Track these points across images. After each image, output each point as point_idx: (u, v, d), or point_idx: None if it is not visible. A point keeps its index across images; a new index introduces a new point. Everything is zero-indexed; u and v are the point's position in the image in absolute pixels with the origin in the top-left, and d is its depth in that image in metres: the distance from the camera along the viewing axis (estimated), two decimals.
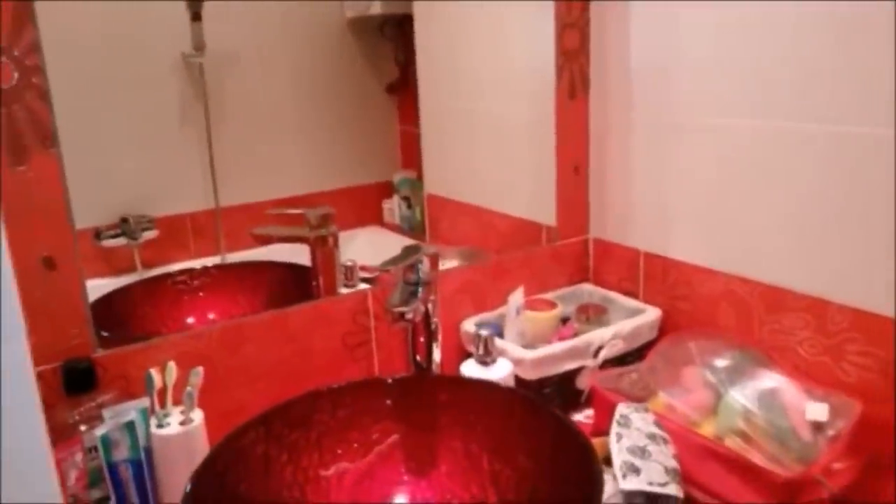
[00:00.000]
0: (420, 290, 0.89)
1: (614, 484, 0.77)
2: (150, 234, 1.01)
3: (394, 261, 0.87)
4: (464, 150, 1.28)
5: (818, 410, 0.89)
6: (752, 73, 0.97)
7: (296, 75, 1.12)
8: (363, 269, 1.14)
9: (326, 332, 1.03)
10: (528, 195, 1.29)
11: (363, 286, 1.09)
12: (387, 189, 1.24)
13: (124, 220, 1.00)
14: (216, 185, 1.05)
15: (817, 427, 0.88)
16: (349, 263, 1.14)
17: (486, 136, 1.28)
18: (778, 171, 0.96)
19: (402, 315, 0.85)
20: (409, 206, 1.25)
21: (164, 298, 1.05)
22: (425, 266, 0.89)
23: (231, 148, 1.06)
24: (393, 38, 1.20)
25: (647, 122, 1.14)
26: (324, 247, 1.13)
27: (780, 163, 0.96)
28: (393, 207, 1.25)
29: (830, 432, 0.87)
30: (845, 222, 0.90)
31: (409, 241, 0.95)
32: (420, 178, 1.23)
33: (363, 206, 1.21)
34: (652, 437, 0.83)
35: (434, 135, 1.22)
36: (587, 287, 1.27)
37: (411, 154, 1.22)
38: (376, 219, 1.24)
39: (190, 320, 1.07)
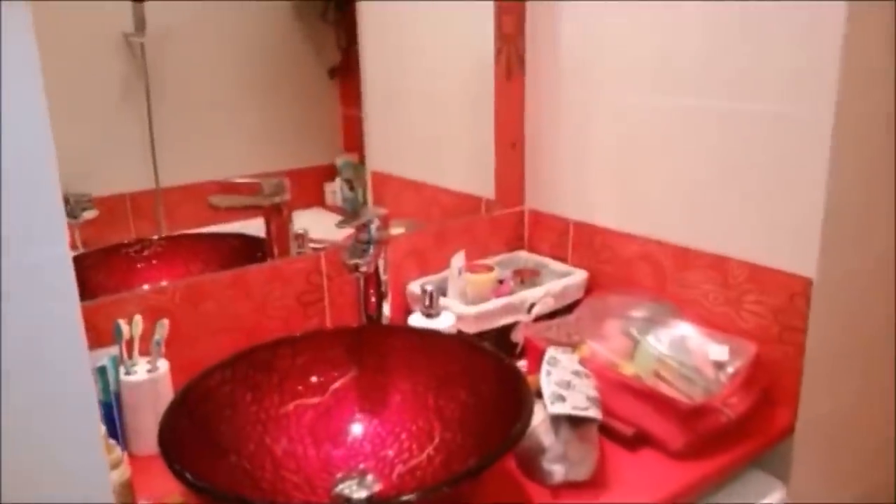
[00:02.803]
0: (371, 247, 0.98)
1: (545, 411, 0.88)
2: (90, 214, 1.02)
3: (349, 219, 0.95)
4: (408, 128, 1.34)
5: (719, 352, 1.02)
6: (661, 59, 1.09)
7: (237, 58, 1.14)
8: (312, 241, 1.21)
9: (282, 291, 1.11)
10: (469, 170, 1.38)
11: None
12: (329, 172, 1.27)
13: (65, 200, 1.01)
14: (156, 165, 1.07)
15: (719, 366, 1.02)
16: (300, 231, 1.21)
17: (429, 116, 1.36)
18: (681, 144, 1.10)
19: (356, 267, 0.93)
20: (352, 189, 1.29)
21: (117, 268, 1.08)
22: (376, 225, 0.98)
23: (172, 129, 1.07)
24: (335, 23, 1.23)
25: (573, 100, 1.26)
26: (278, 215, 1.20)
27: (682, 137, 1.09)
28: (335, 190, 1.28)
29: (730, 370, 1.01)
30: (740, 188, 1.04)
31: None
32: (362, 161, 1.27)
33: (305, 189, 1.23)
34: (576, 373, 0.94)
35: (379, 115, 1.27)
36: (522, 254, 1.38)
37: (353, 137, 1.26)
38: (318, 201, 1.27)
39: (145, 287, 1.12)
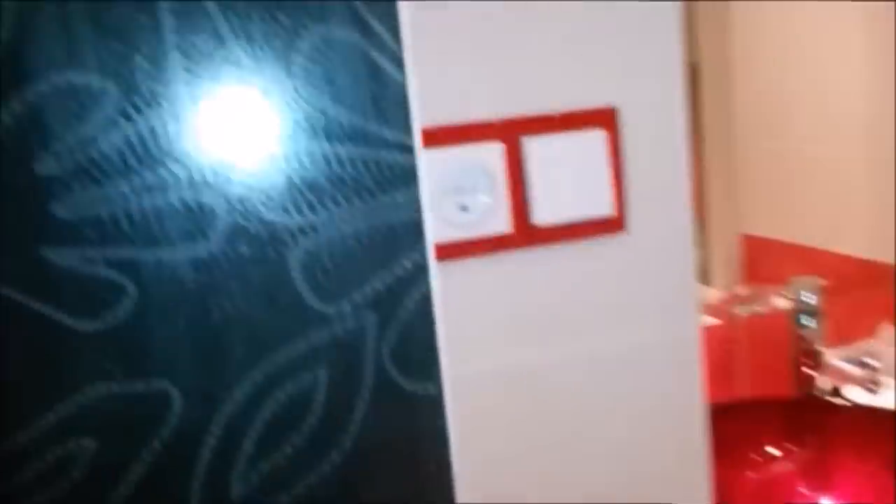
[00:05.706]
0: (809, 318, 0.97)
1: None
2: None
3: (789, 290, 0.96)
4: (783, 189, 1.30)
5: None
6: None
7: None
8: None
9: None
10: (871, 232, 1.28)
11: None
12: None
13: None
14: None
15: None
16: None
17: (813, 174, 1.29)
18: None
19: (806, 339, 0.93)
20: None
21: None
22: (813, 295, 0.97)
23: None
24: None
25: None
26: None
27: None
28: None
29: None
30: None
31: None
32: (702, 223, 1.28)
33: None
34: None
35: (749, 176, 1.28)
36: None
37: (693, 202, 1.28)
38: None
39: None
